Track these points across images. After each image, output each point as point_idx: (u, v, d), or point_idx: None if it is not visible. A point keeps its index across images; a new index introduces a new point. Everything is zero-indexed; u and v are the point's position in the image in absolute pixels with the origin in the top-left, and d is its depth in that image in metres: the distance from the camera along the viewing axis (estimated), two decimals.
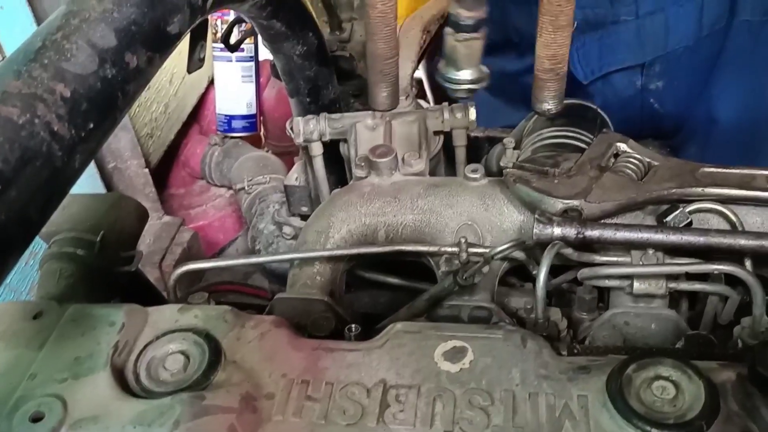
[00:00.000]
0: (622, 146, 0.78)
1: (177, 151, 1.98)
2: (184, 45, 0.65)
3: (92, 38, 0.46)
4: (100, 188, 1.46)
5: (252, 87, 1.90)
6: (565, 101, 0.94)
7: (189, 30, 0.60)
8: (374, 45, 0.58)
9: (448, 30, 0.61)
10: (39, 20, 1.17)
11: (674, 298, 0.73)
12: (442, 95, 1.48)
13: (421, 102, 1.53)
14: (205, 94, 2.01)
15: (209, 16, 0.70)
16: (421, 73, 1.65)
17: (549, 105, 0.70)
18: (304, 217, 1.15)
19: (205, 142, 1.97)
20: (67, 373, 0.53)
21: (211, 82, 1.96)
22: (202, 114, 2.06)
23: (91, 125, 0.44)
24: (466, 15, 0.59)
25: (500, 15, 1.15)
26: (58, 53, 0.44)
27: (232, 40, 0.98)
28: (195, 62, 0.71)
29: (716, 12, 1.00)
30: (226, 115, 1.92)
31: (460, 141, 0.98)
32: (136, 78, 0.49)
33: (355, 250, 0.79)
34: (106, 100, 0.45)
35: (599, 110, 0.90)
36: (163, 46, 0.53)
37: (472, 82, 0.62)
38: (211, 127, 2.04)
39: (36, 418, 0.50)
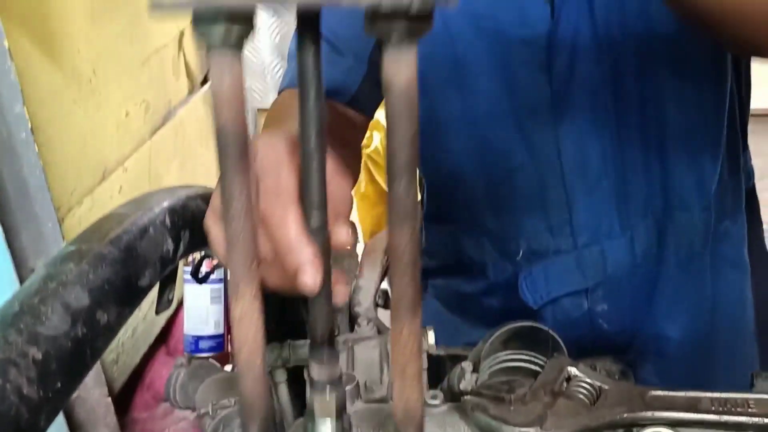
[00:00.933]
0: (573, 370, 0.82)
1: (142, 374, 1.96)
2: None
3: (67, 300, 0.50)
4: (60, 418, 1.42)
5: (220, 307, 1.94)
6: (519, 324, 0.99)
7: (159, 280, 0.64)
8: (243, 387, 0.61)
9: (309, 389, 0.62)
10: (16, 258, 1.22)
11: None
12: None
13: (386, 314, 1.57)
14: (173, 316, 2.03)
15: None
16: (387, 285, 1.72)
17: None
18: None
19: (171, 364, 1.96)
20: None
21: (180, 304, 2.00)
22: (170, 334, 2.07)
23: (59, 384, 0.46)
24: (317, 372, 0.61)
25: (452, 242, 1.24)
26: (33, 317, 0.47)
27: (202, 271, 1.03)
28: (164, 304, 0.75)
29: (646, 244, 1.10)
30: (194, 336, 1.94)
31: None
32: (105, 333, 0.52)
33: None
34: (76, 358, 0.48)
35: (551, 332, 0.95)
36: (133, 300, 0.57)
37: None
38: (179, 347, 2.04)
39: None
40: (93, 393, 1.48)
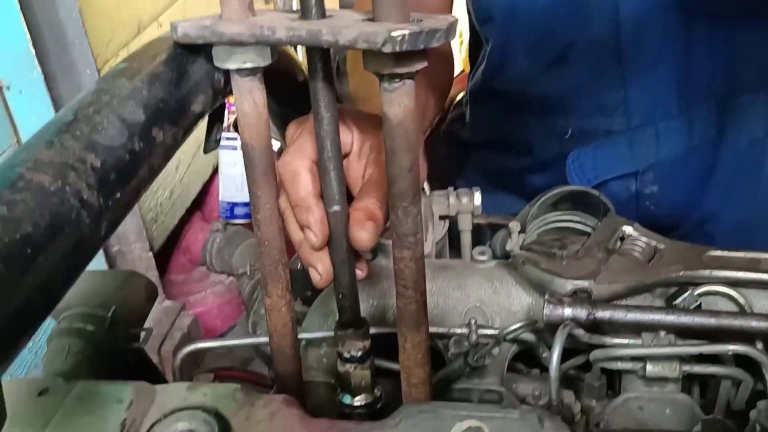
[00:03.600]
0: (628, 229, 0.80)
1: (178, 238, 2.00)
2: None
3: (122, 113, 0.48)
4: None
5: None
6: (569, 188, 0.96)
7: (211, 109, 0.62)
8: (275, 366, 0.66)
9: (339, 361, 0.66)
10: (56, 105, 1.21)
11: (685, 385, 0.72)
12: (440, 178, 1.51)
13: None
14: (209, 182, 2.04)
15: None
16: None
17: None
18: (307, 301, 1.15)
19: (207, 229, 1.99)
20: None
21: (216, 170, 2.00)
22: (206, 201, 2.09)
23: (118, 195, 0.44)
24: (355, 348, 0.64)
25: (497, 117, 1.21)
26: (89, 126, 0.45)
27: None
28: (211, 143, 0.73)
29: (704, 127, 1.05)
30: (229, 203, 1.95)
31: (465, 225, 0.99)
32: (161, 153, 0.50)
33: None
34: (133, 172, 0.47)
35: (602, 197, 0.92)
36: (187, 123, 0.55)
37: (364, 407, 0.66)
38: (214, 213, 2.06)
39: None
40: (134, 247, 1.50)
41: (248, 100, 0.53)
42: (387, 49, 0.46)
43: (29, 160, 0.41)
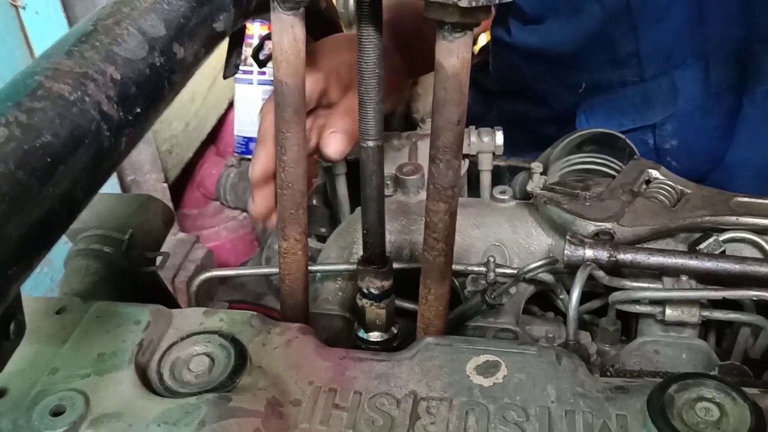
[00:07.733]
0: (654, 173, 0.78)
1: (193, 171, 1.99)
2: (207, 63, 0.65)
3: (142, 26, 0.46)
4: None
5: None
6: (593, 130, 0.94)
7: (232, 30, 0.60)
8: (283, 311, 0.66)
9: (359, 296, 0.65)
10: (72, 25, 1.19)
11: (701, 331, 0.72)
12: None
13: None
14: (224, 116, 2.02)
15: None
16: None
17: None
18: (322, 238, 1.14)
19: (222, 164, 1.98)
20: (90, 369, 0.52)
21: (231, 105, 1.98)
22: (220, 136, 2.07)
23: (138, 110, 0.43)
24: (374, 285, 0.64)
25: (515, 68, 1.20)
26: (109, 37, 0.44)
27: (261, 56, 0.98)
28: (231, 68, 0.71)
29: (723, 74, 1.01)
30: (244, 137, 1.93)
31: (485, 165, 0.97)
32: (182, 69, 0.49)
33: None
34: (154, 86, 0.45)
35: (627, 140, 0.90)
36: (208, 41, 0.53)
37: (379, 343, 0.66)
38: (228, 149, 2.05)
39: (57, 413, 0.49)
40: (149, 177, 1.50)
41: (288, 36, 0.51)
42: (464, 3, 0.43)
43: (48, 68, 0.40)
